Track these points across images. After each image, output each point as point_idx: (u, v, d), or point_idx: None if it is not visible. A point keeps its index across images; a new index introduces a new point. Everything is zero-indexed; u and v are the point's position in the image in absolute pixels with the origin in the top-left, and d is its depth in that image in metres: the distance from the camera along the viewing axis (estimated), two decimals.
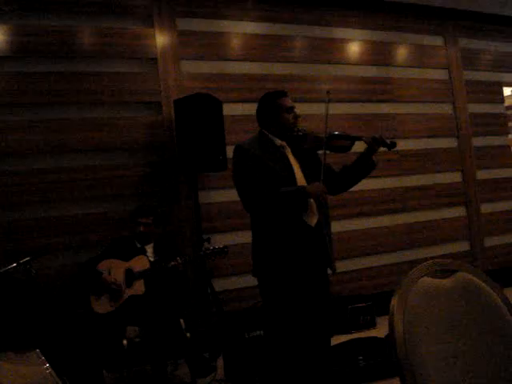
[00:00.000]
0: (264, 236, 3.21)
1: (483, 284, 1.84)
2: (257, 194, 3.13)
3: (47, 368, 2.09)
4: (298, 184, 3.19)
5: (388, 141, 3.22)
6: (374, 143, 3.22)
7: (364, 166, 3.34)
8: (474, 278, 1.84)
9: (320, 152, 3.30)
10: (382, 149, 3.28)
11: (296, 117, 3.31)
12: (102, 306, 4.12)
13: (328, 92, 3.29)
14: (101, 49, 5.24)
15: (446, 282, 1.82)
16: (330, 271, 3.35)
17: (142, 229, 4.45)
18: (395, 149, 3.30)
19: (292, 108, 3.31)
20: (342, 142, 3.28)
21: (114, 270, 4.19)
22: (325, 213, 3.30)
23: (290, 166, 3.24)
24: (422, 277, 1.80)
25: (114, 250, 4.36)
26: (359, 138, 3.28)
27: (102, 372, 4.09)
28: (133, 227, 4.52)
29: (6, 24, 4.90)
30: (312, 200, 3.17)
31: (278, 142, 3.29)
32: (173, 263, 4.18)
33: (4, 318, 2.06)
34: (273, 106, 3.30)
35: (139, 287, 4.15)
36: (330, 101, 3.26)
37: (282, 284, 3.14)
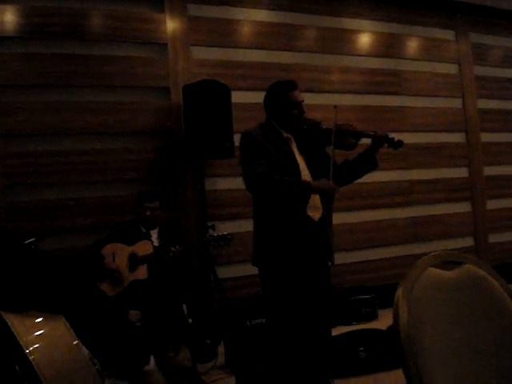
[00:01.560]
0: (266, 226, 3.20)
1: (489, 277, 1.83)
2: (260, 174, 3.08)
3: (74, 338, 2.08)
4: (302, 177, 3.19)
5: (395, 139, 3.21)
6: (380, 141, 3.21)
7: (366, 164, 3.36)
8: (480, 271, 1.83)
9: (329, 147, 3.29)
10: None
11: (301, 112, 3.27)
12: (104, 289, 4.13)
13: (335, 107, 3.26)
14: (111, 32, 5.23)
15: (452, 274, 1.81)
16: (329, 263, 3.35)
17: (148, 213, 4.46)
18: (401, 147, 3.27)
19: (300, 103, 3.27)
20: (348, 140, 3.25)
21: (118, 253, 4.20)
22: (329, 208, 3.30)
23: (295, 158, 3.23)
24: (428, 268, 1.79)
25: (119, 233, 4.37)
26: (366, 135, 3.27)
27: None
28: (139, 211, 4.52)
29: (16, 4, 4.88)
30: (317, 195, 3.16)
31: (284, 133, 3.27)
32: (173, 249, 4.19)
33: (28, 282, 2.07)
34: (282, 98, 3.25)
35: (142, 272, 4.16)
36: (337, 115, 3.24)
37: (282, 275, 3.14)
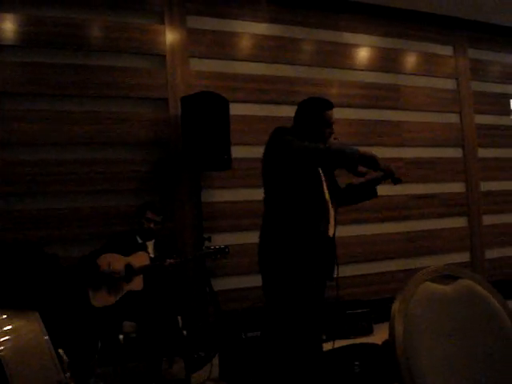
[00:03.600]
0: (280, 235, 3.19)
1: (485, 291, 1.83)
2: (306, 145, 3.03)
3: (44, 332, 2.08)
4: (325, 195, 3.24)
5: (396, 176, 3.25)
6: (389, 175, 3.23)
7: (368, 191, 3.44)
8: (476, 285, 1.84)
9: None
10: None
11: (331, 133, 3.32)
12: (99, 299, 4.12)
13: (336, 138, 3.31)
14: (110, 43, 5.24)
15: (448, 288, 1.81)
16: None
17: (151, 225, 4.44)
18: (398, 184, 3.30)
19: (332, 124, 3.32)
20: (360, 168, 3.28)
21: (114, 264, 4.18)
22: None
23: (319, 173, 3.26)
24: (424, 282, 1.79)
25: (115, 244, 4.35)
26: (380, 168, 3.29)
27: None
28: (141, 222, 4.49)
29: (18, 13, 4.90)
30: (332, 212, 3.23)
31: None
32: (169, 261, 4.18)
33: (11, 280, 2.08)
34: (317, 115, 3.28)
35: (138, 283, 4.15)
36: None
37: (287, 285, 3.14)
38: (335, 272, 3.35)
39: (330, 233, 3.25)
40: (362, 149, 2.94)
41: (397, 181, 3.25)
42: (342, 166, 3.02)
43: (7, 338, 2.01)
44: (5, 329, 2.05)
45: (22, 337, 2.05)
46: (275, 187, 3.24)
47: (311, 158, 3.00)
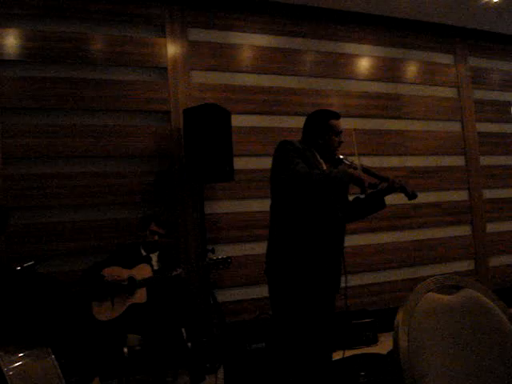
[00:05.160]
0: (287, 245, 3.19)
1: (488, 301, 1.82)
2: (301, 170, 3.03)
3: (56, 367, 2.08)
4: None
5: (409, 191, 3.29)
6: (395, 187, 3.28)
7: (375, 203, 3.46)
8: (480, 295, 1.83)
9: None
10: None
11: (340, 142, 3.38)
12: (103, 313, 4.11)
13: (355, 130, 3.37)
14: (112, 57, 5.27)
15: (452, 298, 1.81)
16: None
17: (156, 238, 4.47)
18: (414, 200, 3.37)
19: (340, 133, 3.38)
20: (371, 179, 3.29)
21: (116, 277, 4.18)
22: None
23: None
24: (427, 292, 1.79)
25: (119, 256, 4.36)
26: (386, 179, 3.31)
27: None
28: (145, 235, 4.52)
29: (19, 28, 4.94)
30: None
31: (318, 157, 3.33)
32: (175, 272, 4.19)
33: (15, 311, 2.07)
34: (325, 125, 3.34)
35: (141, 295, 4.14)
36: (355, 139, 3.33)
37: (295, 295, 3.14)
38: (341, 284, 3.36)
39: (339, 245, 3.30)
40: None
41: (411, 196, 3.30)
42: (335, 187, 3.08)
43: (20, 376, 2.01)
44: (17, 365, 2.05)
45: (34, 374, 2.05)
46: (283, 200, 3.24)
47: (312, 185, 3.03)
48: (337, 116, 3.40)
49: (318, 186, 3.02)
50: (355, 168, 3.24)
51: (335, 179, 2.98)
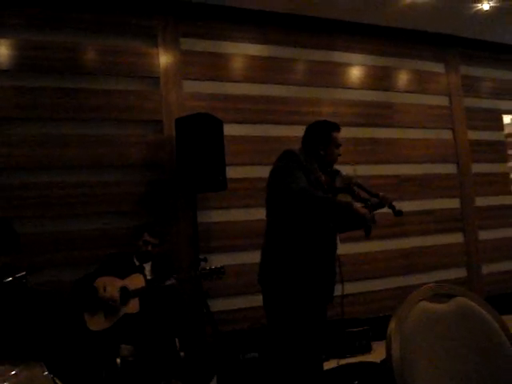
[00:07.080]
0: (281, 255, 3.22)
1: (481, 309, 1.83)
2: (304, 188, 3.08)
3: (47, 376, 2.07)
4: None
5: (396, 207, 3.32)
6: (385, 203, 3.32)
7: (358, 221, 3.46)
8: (472, 304, 1.84)
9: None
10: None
11: (339, 155, 3.42)
12: (96, 323, 4.09)
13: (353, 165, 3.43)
14: (104, 66, 5.27)
15: (444, 307, 1.81)
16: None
17: (149, 248, 4.45)
18: (400, 216, 3.37)
19: (340, 145, 3.42)
20: (363, 193, 3.33)
21: (109, 287, 4.15)
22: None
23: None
24: (420, 301, 1.79)
25: (111, 266, 4.34)
26: (376, 195, 3.33)
27: None
28: (139, 245, 4.51)
29: (11, 38, 4.93)
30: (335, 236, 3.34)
31: (318, 170, 3.37)
32: (168, 282, 4.17)
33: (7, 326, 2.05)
34: (327, 136, 3.38)
35: (134, 306, 4.13)
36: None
37: (289, 304, 3.17)
38: (335, 292, 3.40)
39: (331, 254, 3.35)
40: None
41: (397, 213, 3.32)
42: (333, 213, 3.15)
43: None
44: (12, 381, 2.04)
45: None
46: (280, 210, 3.25)
47: (311, 205, 3.08)
48: (338, 128, 3.44)
49: (319, 210, 3.09)
50: (349, 183, 3.28)
51: (338, 210, 3.09)
